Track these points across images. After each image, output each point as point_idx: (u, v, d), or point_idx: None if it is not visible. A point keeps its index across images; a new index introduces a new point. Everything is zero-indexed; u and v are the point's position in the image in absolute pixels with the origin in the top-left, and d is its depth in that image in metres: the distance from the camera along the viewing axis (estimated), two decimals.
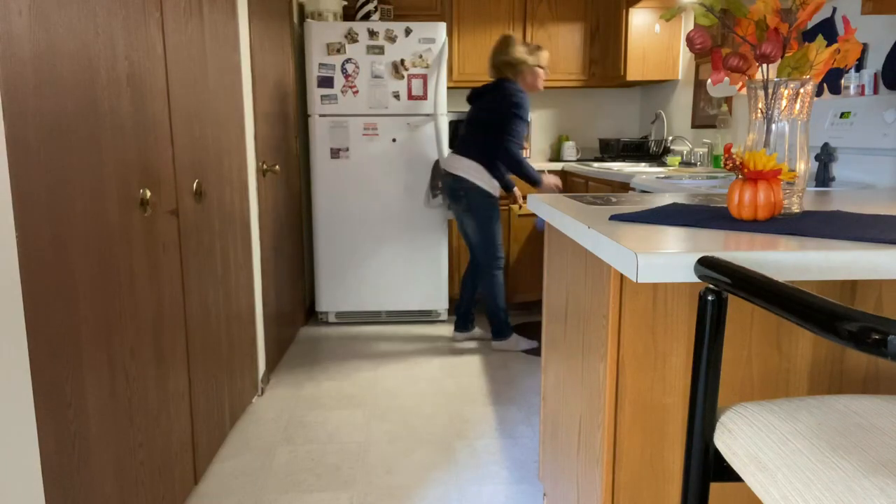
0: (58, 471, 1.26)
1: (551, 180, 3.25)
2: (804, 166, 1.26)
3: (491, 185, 3.19)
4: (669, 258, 0.93)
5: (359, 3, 3.88)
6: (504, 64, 3.18)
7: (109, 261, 1.47)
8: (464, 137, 3.24)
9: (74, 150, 1.33)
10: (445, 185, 3.28)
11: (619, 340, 1.17)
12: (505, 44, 3.18)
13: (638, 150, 4.17)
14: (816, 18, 2.41)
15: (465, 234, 3.33)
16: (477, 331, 3.55)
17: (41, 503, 1.21)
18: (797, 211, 1.28)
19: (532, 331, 3.69)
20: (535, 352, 3.35)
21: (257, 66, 2.79)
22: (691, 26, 3.84)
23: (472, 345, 3.48)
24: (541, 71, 3.22)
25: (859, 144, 2.08)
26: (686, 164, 3.61)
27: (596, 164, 3.75)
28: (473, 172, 3.16)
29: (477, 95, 3.25)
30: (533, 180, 3.17)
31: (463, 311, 3.49)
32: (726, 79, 1.29)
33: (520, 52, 3.16)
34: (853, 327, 0.55)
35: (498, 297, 3.29)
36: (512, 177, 3.25)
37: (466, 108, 4.53)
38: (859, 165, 2.11)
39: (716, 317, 0.82)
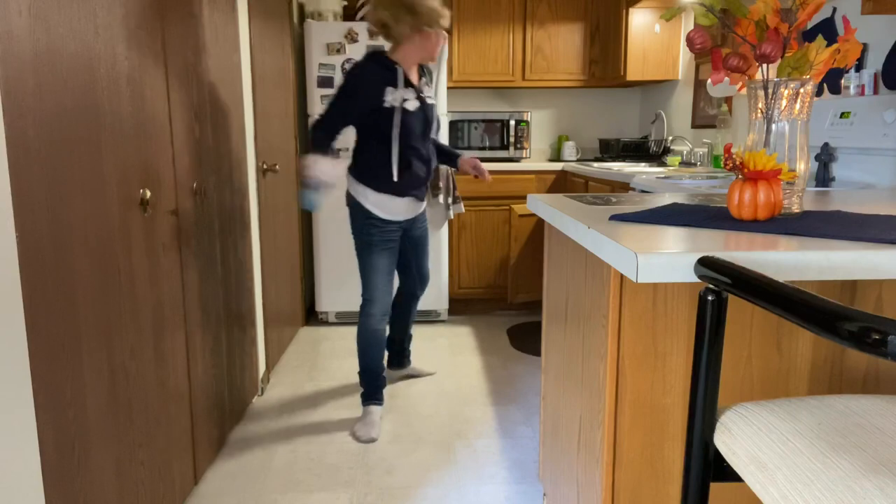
0: (58, 471, 1.26)
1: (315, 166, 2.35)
2: (804, 166, 1.26)
3: (377, 202, 2.40)
4: (669, 258, 0.93)
5: (359, 3, 3.88)
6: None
7: (109, 261, 1.47)
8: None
9: (74, 150, 1.33)
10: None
11: (619, 340, 1.17)
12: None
13: (638, 150, 4.17)
14: (816, 18, 2.41)
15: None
16: (414, 367, 3.01)
17: (41, 503, 1.21)
18: (797, 211, 1.28)
19: (532, 331, 3.69)
20: (535, 352, 3.35)
21: (257, 66, 2.79)
22: (691, 26, 3.84)
23: (472, 345, 3.48)
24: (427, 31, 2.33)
25: (859, 144, 2.08)
26: (686, 164, 3.61)
27: (596, 164, 3.75)
28: (351, 185, 2.46)
29: None
30: (319, 145, 2.36)
31: (396, 344, 2.92)
32: (726, 79, 1.29)
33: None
34: (853, 327, 0.55)
35: (363, 353, 2.51)
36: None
37: (467, 107, 4.53)
38: (859, 165, 2.11)
39: (716, 317, 0.82)
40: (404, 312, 2.86)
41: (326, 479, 2.14)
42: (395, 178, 2.39)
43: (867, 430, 0.75)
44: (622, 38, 3.92)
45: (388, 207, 2.42)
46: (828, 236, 1.03)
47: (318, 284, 3.82)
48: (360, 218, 2.43)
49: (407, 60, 2.38)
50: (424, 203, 2.61)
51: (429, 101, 2.46)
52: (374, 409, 2.52)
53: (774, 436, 0.75)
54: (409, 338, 2.95)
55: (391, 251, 2.47)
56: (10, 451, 1.13)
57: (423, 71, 2.52)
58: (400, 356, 2.96)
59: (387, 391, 2.86)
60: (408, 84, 2.37)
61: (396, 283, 3.20)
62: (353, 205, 2.45)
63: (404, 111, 2.34)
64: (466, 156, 2.70)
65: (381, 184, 2.39)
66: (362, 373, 2.55)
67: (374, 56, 2.35)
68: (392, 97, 2.32)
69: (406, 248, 2.67)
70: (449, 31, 2.39)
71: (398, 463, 2.24)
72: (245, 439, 2.41)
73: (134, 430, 1.59)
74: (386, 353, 2.84)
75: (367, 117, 2.34)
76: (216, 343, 2.22)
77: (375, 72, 2.32)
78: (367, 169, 2.40)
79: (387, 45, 2.44)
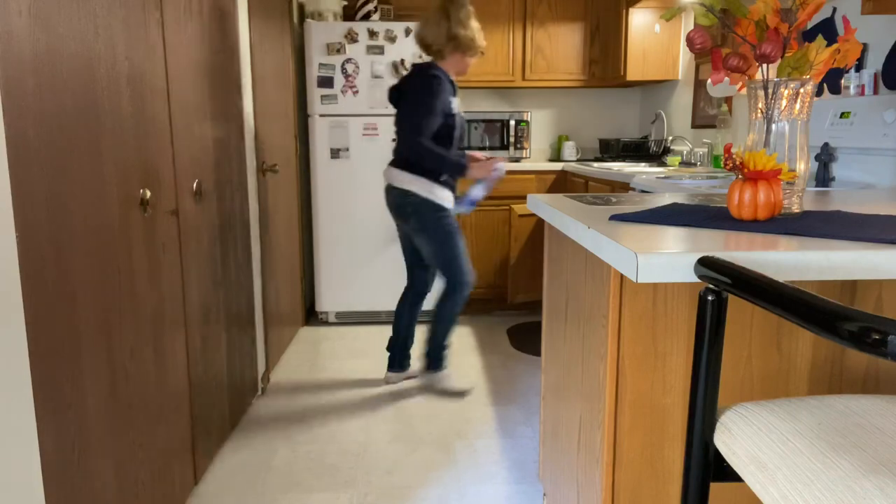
0: (58, 471, 1.26)
1: (487, 167, 2.67)
2: (804, 166, 1.26)
3: (442, 195, 2.67)
4: (669, 258, 0.93)
5: (359, 3, 3.88)
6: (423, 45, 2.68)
7: (109, 261, 1.47)
8: (396, 144, 2.70)
9: (74, 150, 1.33)
10: (390, 200, 2.74)
11: (619, 340, 1.17)
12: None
13: (638, 150, 4.17)
14: (816, 18, 2.41)
15: (410, 253, 2.88)
16: (415, 368, 3.03)
17: (41, 503, 1.21)
18: (797, 211, 1.28)
19: (532, 331, 3.69)
20: (535, 352, 3.35)
21: (257, 66, 2.79)
22: (691, 26, 3.84)
23: (472, 345, 3.48)
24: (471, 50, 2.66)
25: (859, 144, 2.08)
26: (686, 164, 3.61)
27: (596, 164, 3.75)
28: (418, 184, 2.65)
29: (396, 91, 2.74)
30: (456, 170, 2.62)
31: (400, 345, 2.93)
32: (726, 79, 1.29)
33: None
34: (853, 327, 0.55)
35: (452, 327, 2.81)
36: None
37: (467, 107, 4.53)
38: (859, 165, 2.11)
39: (716, 317, 0.82)
40: (410, 313, 2.92)
41: (326, 479, 2.14)
42: (447, 175, 2.69)
43: (867, 430, 0.75)
44: (622, 38, 3.92)
45: (447, 198, 2.71)
46: (828, 236, 1.03)
47: (318, 284, 3.82)
48: (432, 212, 2.66)
49: (453, 71, 2.73)
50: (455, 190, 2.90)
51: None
52: (446, 371, 2.86)
53: (774, 436, 0.75)
54: (412, 337, 2.95)
55: (459, 234, 2.75)
56: (10, 451, 1.13)
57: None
58: (403, 356, 2.95)
59: (387, 391, 2.87)
60: (456, 93, 2.72)
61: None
62: (421, 203, 2.65)
63: (452, 115, 2.66)
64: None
65: (438, 178, 2.67)
66: (439, 343, 2.81)
67: (436, 67, 2.65)
68: (454, 104, 2.67)
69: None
70: (483, 53, 2.78)
71: (398, 463, 2.24)
72: (245, 439, 2.41)
73: (134, 430, 1.59)
74: (387, 355, 3.02)
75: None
76: (216, 343, 2.22)
77: (447, 82, 2.63)
78: (427, 168, 2.65)
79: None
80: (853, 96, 2.19)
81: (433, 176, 2.65)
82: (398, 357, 2.94)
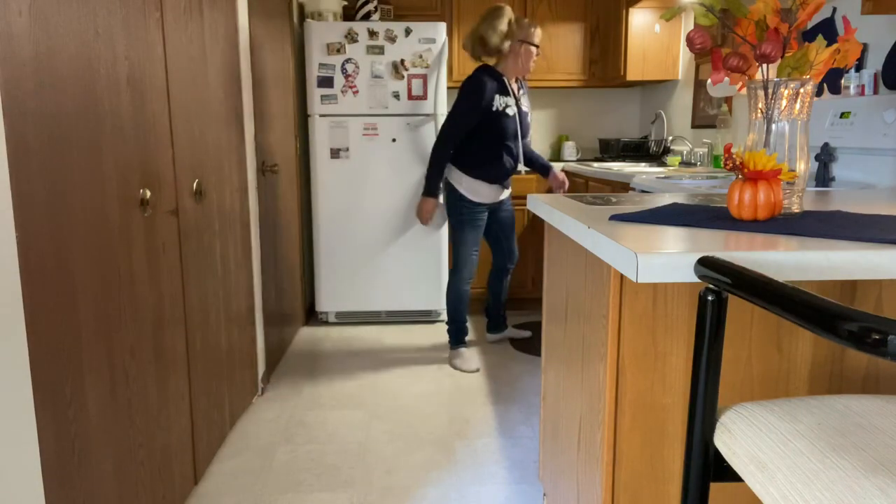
0: (58, 471, 1.26)
1: (427, 208, 3.02)
2: (804, 166, 1.26)
3: (470, 187, 2.99)
4: (669, 258, 0.93)
5: (359, 3, 3.88)
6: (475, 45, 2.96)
7: (109, 261, 1.47)
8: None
9: (74, 150, 1.33)
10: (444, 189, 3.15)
11: (619, 340, 1.17)
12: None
13: (638, 150, 4.17)
14: (816, 18, 2.41)
15: (487, 235, 3.26)
16: (509, 330, 3.49)
17: (41, 502, 1.21)
18: (797, 211, 1.28)
19: (532, 331, 3.69)
20: (535, 352, 3.35)
21: (257, 66, 2.79)
22: (691, 26, 3.84)
23: (472, 345, 3.48)
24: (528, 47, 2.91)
25: (859, 144, 2.08)
26: (686, 164, 3.61)
27: (596, 164, 3.75)
28: (454, 175, 3.03)
29: None
30: (427, 188, 2.98)
31: (493, 311, 3.41)
32: (726, 79, 1.29)
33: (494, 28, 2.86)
34: (853, 327, 0.55)
35: (455, 308, 3.16)
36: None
37: None
38: (859, 165, 2.11)
39: (716, 317, 0.82)
40: (497, 284, 3.35)
41: (326, 479, 2.14)
42: (491, 168, 2.97)
43: (867, 430, 0.75)
44: (622, 38, 3.91)
45: (478, 192, 3.00)
46: (828, 236, 1.03)
47: (318, 284, 3.82)
48: (454, 199, 3.03)
49: (507, 73, 2.95)
50: (509, 190, 3.18)
51: (524, 108, 3.05)
52: (464, 348, 3.19)
53: (774, 436, 0.75)
54: (503, 305, 3.41)
55: (477, 229, 3.06)
56: (10, 451, 1.13)
57: (521, 83, 3.08)
58: (497, 321, 3.44)
59: (387, 391, 2.87)
60: (509, 92, 2.93)
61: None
62: (449, 189, 3.04)
63: (505, 115, 2.90)
64: (555, 169, 3.23)
65: (477, 171, 2.97)
66: (451, 323, 3.19)
67: (486, 68, 2.91)
68: (498, 102, 2.89)
69: (494, 227, 3.20)
70: (538, 46, 2.97)
71: (398, 463, 2.24)
72: (245, 439, 2.41)
73: (134, 430, 1.59)
74: (486, 321, 3.71)
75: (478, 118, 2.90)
76: (216, 343, 2.22)
77: (489, 81, 2.87)
78: (467, 159, 2.97)
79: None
80: (853, 96, 2.19)
81: (471, 171, 2.96)
82: (493, 320, 3.44)
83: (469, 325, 3.79)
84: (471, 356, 3.17)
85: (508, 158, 2.99)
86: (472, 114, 2.86)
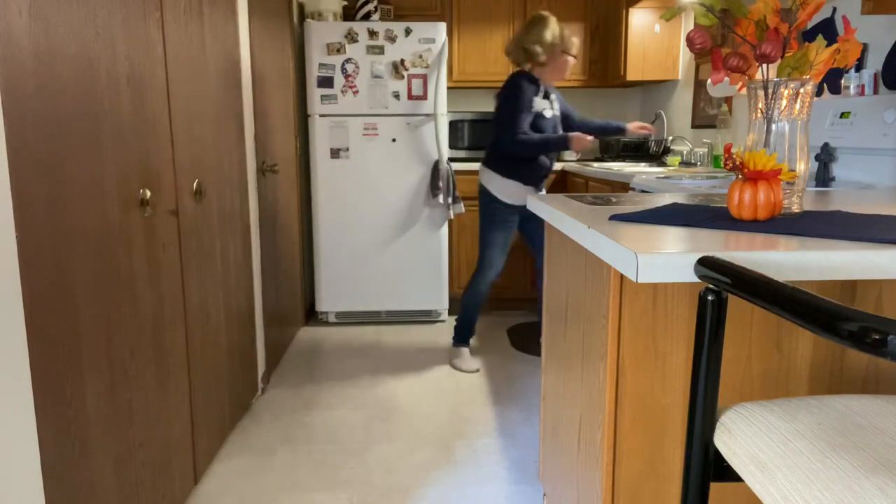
0: (58, 471, 1.26)
1: (582, 140, 2.96)
2: (804, 166, 1.26)
3: (501, 188, 2.99)
4: (669, 258, 0.93)
5: (359, 3, 3.88)
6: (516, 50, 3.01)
7: (109, 261, 1.47)
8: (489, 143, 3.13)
9: (74, 150, 1.33)
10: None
11: (619, 340, 1.17)
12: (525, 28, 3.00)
13: (638, 150, 4.17)
14: (816, 18, 2.41)
15: (526, 241, 3.27)
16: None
17: (41, 503, 1.21)
18: (797, 211, 1.28)
19: (532, 331, 3.69)
20: (535, 352, 3.35)
21: (257, 66, 2.79)
22: (691, 26, 3.84)
23: (472, 345, 3.48)
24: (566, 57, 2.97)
25: (859, 144, 2.08)
26: (686, 164, 3.61)
27: (596, 164, 3.75)
28: (485, 176, 3.05)
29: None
30: (560, 147, 2.91)
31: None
32: (726, 79, 1.29)
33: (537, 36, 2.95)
34: (853, 327, 0.55)
35: (472, 306, 3.14)
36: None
37: (467, 107, 4.53)
38: (859, 165, 2.11)
39: (716, 317, 0.82)
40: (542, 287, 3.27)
41: (326, 479, 2.14)
42: (527, 169, 2.98)
43: (867, 430, 0.75)
44: (622, 38, 3.91)
45: (510, 193, 2.99)
46: (828, 236, 1.03)
47: (318, 284, 3.82)
48: (485, 200, 3.04)
49: (543, 79, 3.00)
50: (542, 192, 3.17)
51: (556, 112, 3.10)
52: (466, 348, 3.20)
53: (774, 436, 0.75)
54: None
55: (506, 231, 3.05)
56: (10, 450, 1.13)
57: (550, 87, 3.13)
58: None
59: (387, 391, 2.87)
60: (545, 96, 3.00)
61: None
62: (481, 189, 3.05)
63: (543, 117, 2.95)
64: (630, 124, 3.22)
65: (512, 172, 2.97)
66: (462, 321, 3.19)
67: (524, 73, 2.96)
68: (537, 105, 2.95)
69: (530, 229, 3.18)
70: (575, 57, 3.05)
71: (398, 463, 2.24)
72: (245, 439, 2.41)
73: (134, 430, 1.59)
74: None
75: None
76: (216, 343, 2.22)
77: (528, 84, 2.92)
78: (502, 160, 2.98)
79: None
80: (853, 96, 2.19)
81: (506, 172, 2.97)
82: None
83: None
84: (471, 357, 3.18)
85: (545, 160, 3.01)
86: (526, 107, 2.89)
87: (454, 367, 3.15)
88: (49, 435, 1.23)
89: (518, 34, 3.00)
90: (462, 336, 3.22)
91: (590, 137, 2.97)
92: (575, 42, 3.00)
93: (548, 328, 1.77)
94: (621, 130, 3.21)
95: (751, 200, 1.15)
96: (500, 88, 2.99)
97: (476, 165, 3.88)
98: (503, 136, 2.89)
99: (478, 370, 3.12)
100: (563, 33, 2.97)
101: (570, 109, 3.18)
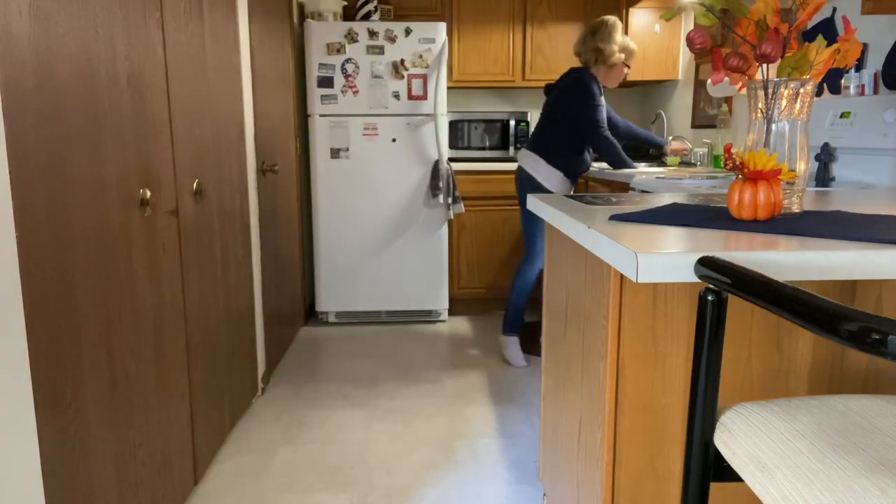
0: (58, 471, 1.26)
1: (679, 147, 3.15)
2: (804, 166, 1.26)
3: (548, 177, 3.04)
4: (669, 258, 0.93)
5: (359, 3, 3.88)
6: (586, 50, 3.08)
7: (109, 261, 1.47)
8: (535, 131, 3.16)
9: (74, 150, 1.33)
10: (516, 177, 3.20)
11: (619, 340, 1.17)
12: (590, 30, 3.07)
13: (638, 150, 4.17)
14: (816, 18, 2.41)
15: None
16: None
17: (41, 503, 1.21)
18: (797, 211, 1.28)
19: (532, 331, 3.68)
20: (536, 352, 3.35)
21: (257, 66, 2.79)
22: (691, 26, 3.84)
23: (472, 345, 3.48)
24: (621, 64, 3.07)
25: (859, 144, 2.08)
26: (686, 164, 3.61)
27: (596, 164, 3.75)
28: (530, 162, 3.07)
29: (552, 87, 3.19)
30: (626, 165, 3.03)
31: None
32: (726, 79, 1.29)
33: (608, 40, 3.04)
34: (853, 327, 0.55)
35: (523, 295, 3.19)
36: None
37: (467, 107, 4.53)
38: (859, 165, 2.11)
39: (716, 317, 0.82)
40: None
41: (326, 479, 2.14)
42: (572, 161, 3.06)
43: (867, 430, 0.75)
44: None
45: (554, 182, 3.05)
46: (828, 236, 1.03)
47: (318, 284, 3.82)
48: (528, 188, 3.08)
49: (601, 80, 3.09)
50: (573, 189, 3.24)
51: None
52: (515, 338, 3.22)
53: (774, 436, 0.75)
54: None
55: None
56: (11, 450, 1.13)
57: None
58: None
59: (387, 391, 2.87)
60: (602, 94, 3.04)
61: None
62: (524, 177, 3.09)
63: None
64: (670, 144, 3.32)
65: (558, 161, 3.03)
66: (511, 310, 3.19)
67: (583, 70, 3.04)
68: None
69: None
70: (629, 67, 3.15)
71: (398, 463, 2.24)
72: (245, 439, 2.41)
73: (134, 430, 1.59)
74: None
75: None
76: (216, 343, 2.21)
77: (595, 82, 3.01)
78: (552, 149, 3.03)
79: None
80: (853, 96, 2.19)
81: (553, 159, 3.02)
82: None
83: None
84: (520, 351, 3.23)
85: (588, 156, 3.11)
86: (601, 102, 2.98)
87: (505, 356, 3.22)
88: (49, 435, 1.23)
89: (588, 34, 3.05)
90: (512, 325, 3.23)
91: (687, 147, 3.24)
92: (634, 52, 3.10)
93: (548, 328, 1.77)
94: (659, 147, 3.31)
95: (751, 200, 1.15)
96: (559, 81, 3.08)
97: (476, 165, 3.88)
98: (591, 133, 2.95)
99: (526, 366, 3.17)
100: (628, 43, 3.07)
101: (612, 112, 3.27)
